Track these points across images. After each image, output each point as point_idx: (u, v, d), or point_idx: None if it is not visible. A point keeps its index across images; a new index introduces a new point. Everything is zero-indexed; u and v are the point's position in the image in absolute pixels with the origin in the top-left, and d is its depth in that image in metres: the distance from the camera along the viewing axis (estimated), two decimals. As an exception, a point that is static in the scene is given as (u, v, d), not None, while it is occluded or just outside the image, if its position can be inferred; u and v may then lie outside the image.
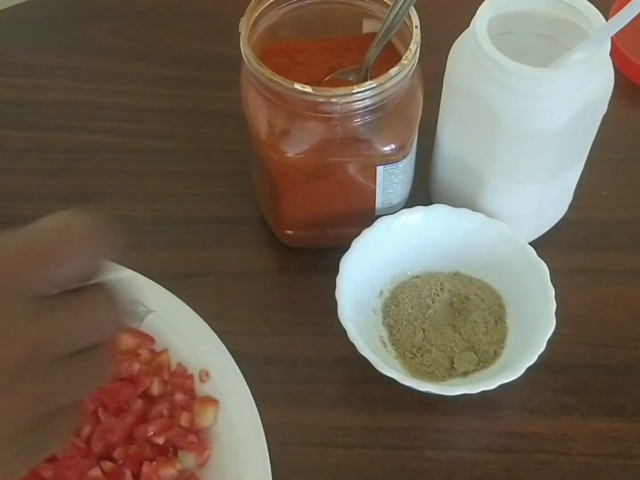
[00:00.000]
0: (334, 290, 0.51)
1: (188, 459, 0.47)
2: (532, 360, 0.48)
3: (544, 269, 0.51)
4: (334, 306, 0.51)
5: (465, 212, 0.54)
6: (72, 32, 0.74)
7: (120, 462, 0.47)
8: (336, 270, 0.52)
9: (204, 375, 0.50)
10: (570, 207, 0.59)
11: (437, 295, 0.55)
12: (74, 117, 0.67)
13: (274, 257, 0.59)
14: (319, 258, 0.58)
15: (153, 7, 0.76)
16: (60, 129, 0.67)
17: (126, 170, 0.64)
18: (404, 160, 0.52)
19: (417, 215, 0.54)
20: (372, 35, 0.54)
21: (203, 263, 0.59)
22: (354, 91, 0.48)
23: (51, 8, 0.76)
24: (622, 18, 0.44)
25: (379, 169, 0.52)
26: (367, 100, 0.48)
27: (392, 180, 0.53)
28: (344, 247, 0.53)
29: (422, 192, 0.59)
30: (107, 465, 0.46)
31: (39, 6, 0.76)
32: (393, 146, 0.51)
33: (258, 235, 0.60)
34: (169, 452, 0.47)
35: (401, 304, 0.54)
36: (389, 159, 0.52)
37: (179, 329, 0.52)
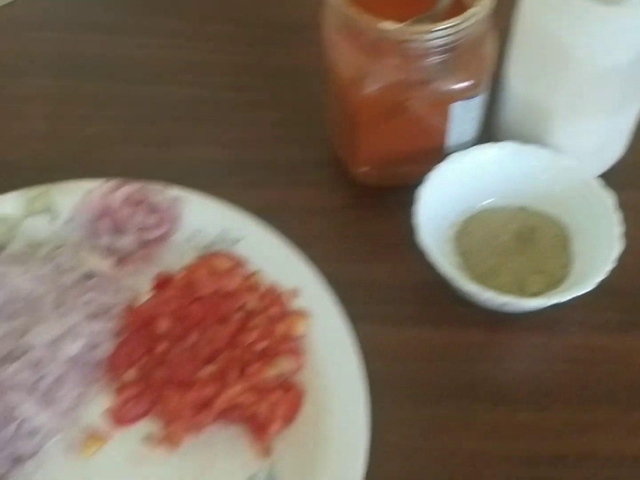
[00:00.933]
0: (406, 223, 0.55)
1: (286, 364, 0.51)
2: (602, 275, 0.51)
3: (609, 198, 0.55)
4: (406, 238, 0.56)
5: (533, 148, 0.58)
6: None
7: (225, 365, 0.51)
8: (405, 206, 0.56)
9: (295, 292, 0.55)
10: (628, 148, 0.63)
11: (506, 226, 0.59)
12: (156, 71, 0.72)
13: (349, 195, 0.64)
14: (390, 196, 0.62)
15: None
16: (142, 81, 0.72)
17: (206, 118, 0.69)
18: (478, 97, 0.57)
19: (487, 152, 0.59)
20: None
21: (283, 201, 0.63)
22: (436, 29, 0.52)
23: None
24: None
25: (455, 106, 0.56)
26: (448, 37, 0.53)
27: (466, 117, 0.58)
28: (413, 185, 0.57)
29: (486, 133, 0.63)
30: (214, 367, 0.51)
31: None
32: (470, 82, 0.55)
33: (333, 175, 0.65)
34: (268, 357, 0.51)
35: (472, 234, 0.59)
36: (466, 95, 0.56)
37: (269, 252, 0.57)
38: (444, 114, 0.57)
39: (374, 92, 0.55)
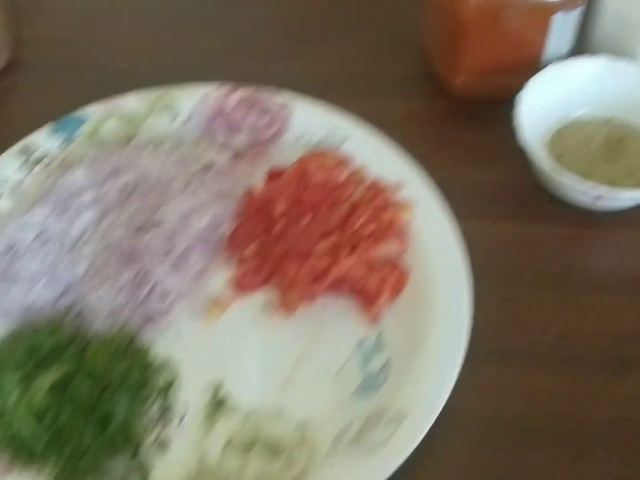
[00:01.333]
0: (500, 130, 0.60)
1: (392, 245, 0.56)
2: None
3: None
4: (501, 144, 0.61)
5: (624, 62, 0.61)
6: None
7: (337, 242, 0.56)
8: (498, 117, 0.61)
9: (399, 185, 0.59)
10: None
11: (597, 134, 0.62)
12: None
13: (444, 107, 0.68)
14: (483, 108, 0.66)
15: None
16: (241, 4, 0.77)
17: (310, 36, 0.74)
18: (578, 9, 0.60)
19: (582, 64, 0.62)
20: None
21: (382, 111, 0.67)
22: (543, -61, 0.56)
23: None
24: None
25: (555, 17, 0.60)
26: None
27: (565, 29, 0.61)
28: (504, 100, 0.61)
29: (580, 47, 0.66)
30: (327, 243, 0.55)
31: None
32: (572, -8, 0.59)
33: (428, 89, 0.69)
34: (376, 238, 0.56)
35: (565, 141, 0.62)
36: (566, 7, 0.59)
37: (373, 151, 0.61)
38: (544, 26, 0.61)
39: (480, 1, 0.59)
